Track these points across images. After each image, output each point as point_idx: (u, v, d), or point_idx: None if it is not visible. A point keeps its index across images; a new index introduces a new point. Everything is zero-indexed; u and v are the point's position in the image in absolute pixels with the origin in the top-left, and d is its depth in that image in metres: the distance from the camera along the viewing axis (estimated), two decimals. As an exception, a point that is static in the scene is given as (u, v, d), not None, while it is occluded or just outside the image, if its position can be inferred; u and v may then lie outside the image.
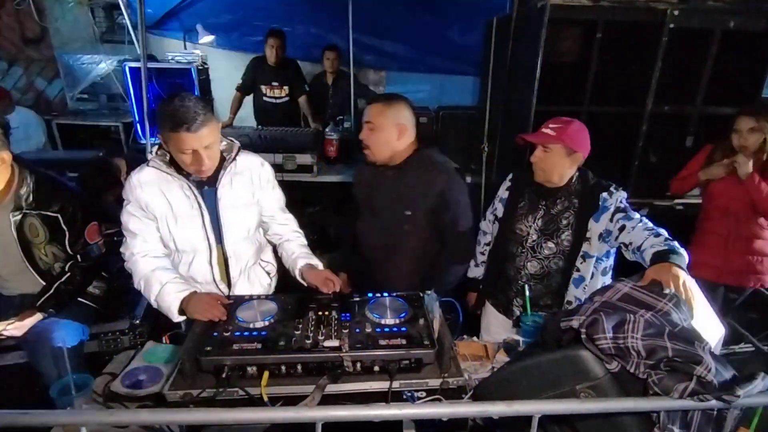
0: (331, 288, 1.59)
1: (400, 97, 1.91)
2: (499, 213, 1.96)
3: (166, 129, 1.48)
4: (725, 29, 2.49)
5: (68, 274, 1.89)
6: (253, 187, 1.75)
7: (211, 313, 1.42)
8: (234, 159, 1.68)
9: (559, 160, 1.73)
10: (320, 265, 1.76)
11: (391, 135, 1.83)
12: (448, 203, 1.87)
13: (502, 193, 1.97)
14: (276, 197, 1.86)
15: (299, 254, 1.79)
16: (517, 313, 1.94)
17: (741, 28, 2.50)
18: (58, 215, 1.83)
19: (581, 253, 1.74)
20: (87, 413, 1.06)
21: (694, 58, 2.59)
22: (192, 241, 1.67)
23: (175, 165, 1.61)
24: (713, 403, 0.94)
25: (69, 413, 1.02)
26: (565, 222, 1.77)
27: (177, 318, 1.55)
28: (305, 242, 1.88)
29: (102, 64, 4.60)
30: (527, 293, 1.77)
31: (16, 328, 1.79)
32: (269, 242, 1.94)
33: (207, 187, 1.65)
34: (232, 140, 1.74)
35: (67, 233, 1.86)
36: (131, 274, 1.66)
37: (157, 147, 1.66)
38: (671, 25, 2.44)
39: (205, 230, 1.67)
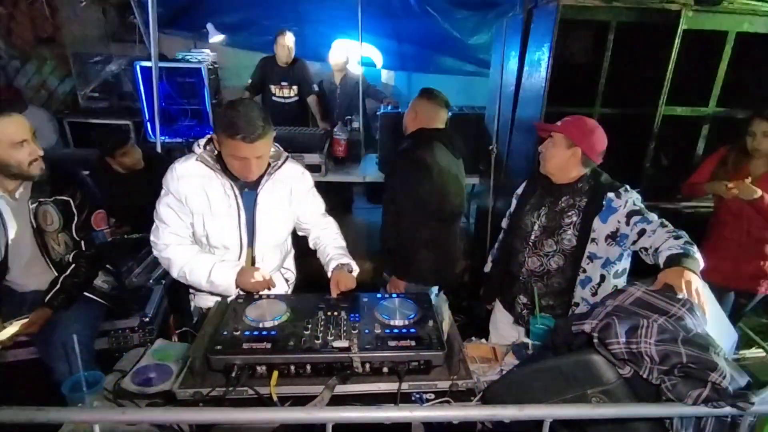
0: (335, 291, 1.58)
1: (427, 93, 2.32)
2: (513, 208, 1.99)
3: (223, 134, 1.50)
4: (739, 31, 2.46)
5: (73, 265, 1.91)
6: (291, 197, 1.77)
7: (261, 285, 1.60)
8: (279, 167, 1.70)
9: (557, 151, 1.74)
10: (353, 265, 1.72)
11: (409, 115, 2.34)
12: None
13: (519, 189, 2.00)
14: (315, 204, 1.88)
15: (333, 256, 1.76)
16: (519, 310, 1.94)
17: (755, 30, 2.47)
18: (70, 199, 1.89)
19: (587, 254, 1.73)
20: (101, 411, 1.07)
21: (707, 60, 2.56)
22: (225, 239, 1.69)
23: (221, 162, 1.63)
24: (727, 410, 0.94)
25: (83, 411, 1.03)
26: (567, 221, 1.76)
27: (234, 292, 1.64)
28: (342, 244, 1.86)
29: (113, 63, 4.63)
30: (536, 293, 1.76)
31: (28, 327, 1.81)
32: (311, 247, 1.93)
33: (248, 190, 1.67)
34: (279, 148, 1.75)
35: (76, 217, 1.90)
36: (167, 263, 1.70)
37: (205, 141, 1.67)
38: (685, 27, 2.41)
39: (239, 230, 1.69)
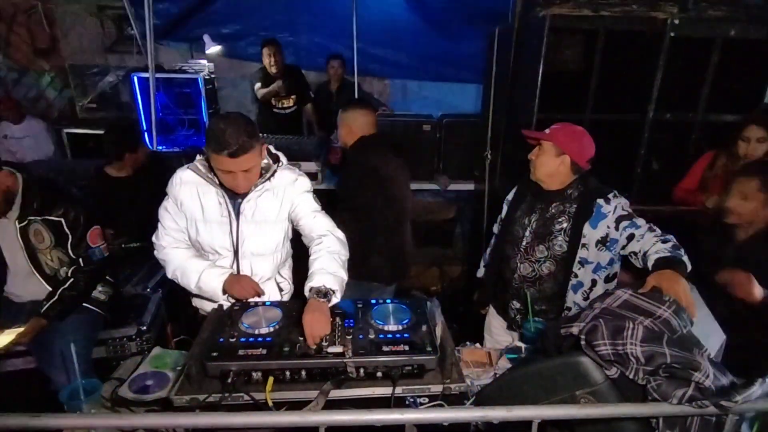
0: (310, 339, 1.33)
1: (354, 103, 2.52)
2: (503, 214, 2.02)
3: (209, 149, 1.52)
4: (726, 37, 2.50)
5: (71, 279, 1.93)
6: (281, 206, 1.74)
7: (248, 292, 1.63)
8: (268, 179, 1.69)
9: (547, 159, 1.76)
10: (328, 285, 1.46)
11: (343, 131, 2.40)
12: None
13: (509, 195, 2.03)
14: (309, 204, 1.76)
15: (310, 273, 1.53)
16: (512, 315, 1.96)
17: (742, 36, 2.51)
18: (61, 219, 1.90)
19: (578, 259, 1.76)
20: (97, 417, 1.08)
21: (695, 66, 2.60)
22: (216, 246, 1.72)
23: (213, 172, 1.65)
24: (711, 409, 0.96)
25: (80, 417, 1.05)
26: (558, 227, 1.79)
27: (222, 299, 1.66)
28: (332, 260, 1.57)
29: (111, 75, 4.68)
30: (529, 298, 1.78)
31: (23, 336, 1.82)
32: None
33: (240, 199, 1.69)
34: (270, 161, 1.71)
35: (69, 237, 1.92)
36: (164, 264, 1.75)
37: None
38: (672, 34, 2.46)
39: (231, 238, 1.71)
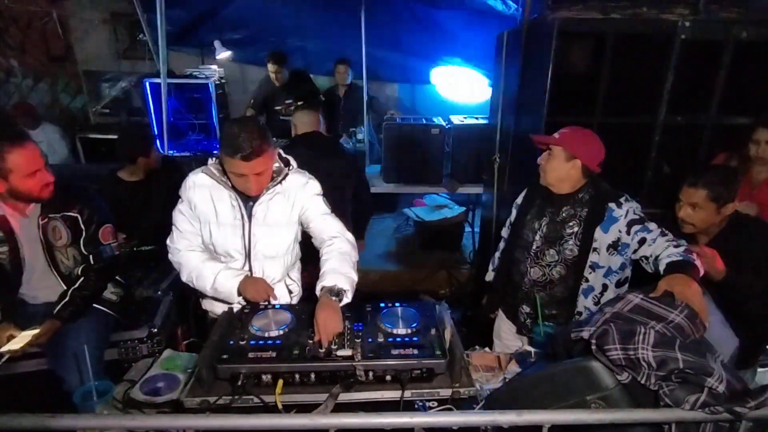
0: (323, 337, 1.34)
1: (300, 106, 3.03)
2: (513, 218, 2.01)
3: (223, 152, 1.56)
4: (737, 40, 2.48)
5: (82, 278, 1.96)
6: (292, 209, 1.76)
7: (261, 296, 1.64)
8: (279, 182, 1.71)
9: (557, 163, 1.75)
10: (339, 285, 1.50)
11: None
12: None
13: (519, 199, 2.02)
14: (318, 207, 1.77)
15: (322, 273, 1.57)
16: (522, 320, 1.95)
17: (753, 39, 2.49)
18: (78, 215, 1.94)
19: (589, 264, 1.75)
20: (110, 418, 1.10)
21: (706, 69, 2.58)
22: (229, 249, 1.75)
23: (227, 175, 1.68)
24: (724, 415, 0.94)
25: (94, 417, 1.06)
26: (569, 231, 1.78)
27: (236, 300, 1.69)
28: (343, 261, 1.60)
29: (123, 80, 4.75)
30: (538, 302, 1.77)
31: (38, 338, 1.85)
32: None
33: (252, 202, 1.72)
34: (281, 165, 1.75)
35: (84, 232, 1.96)
36: (178, 267, 1.77)
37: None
38: (682, 36, 2.44)
39: (244, 241, 1.74)
